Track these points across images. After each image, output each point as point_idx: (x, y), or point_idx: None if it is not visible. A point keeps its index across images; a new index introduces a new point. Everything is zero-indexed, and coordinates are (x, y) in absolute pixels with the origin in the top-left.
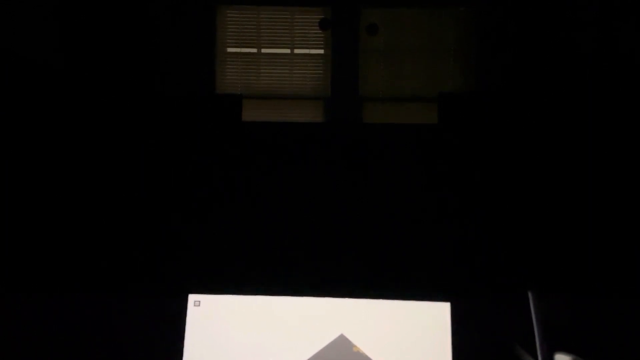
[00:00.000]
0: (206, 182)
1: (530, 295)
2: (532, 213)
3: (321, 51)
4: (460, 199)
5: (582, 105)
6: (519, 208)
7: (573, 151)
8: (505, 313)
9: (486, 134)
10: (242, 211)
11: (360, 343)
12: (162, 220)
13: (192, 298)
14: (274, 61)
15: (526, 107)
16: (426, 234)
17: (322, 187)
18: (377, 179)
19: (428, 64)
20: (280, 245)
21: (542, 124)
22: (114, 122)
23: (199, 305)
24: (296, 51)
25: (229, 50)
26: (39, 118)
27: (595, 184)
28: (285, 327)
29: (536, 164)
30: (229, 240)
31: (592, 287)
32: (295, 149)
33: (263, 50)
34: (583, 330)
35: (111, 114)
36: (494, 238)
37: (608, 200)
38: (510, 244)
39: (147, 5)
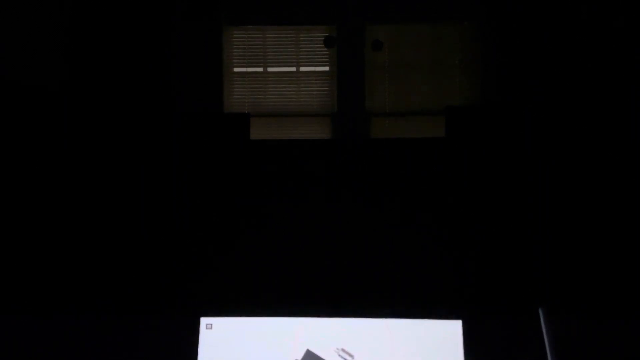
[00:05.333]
0: (216, 203)
1: (541, 312)
2: (543, 228)
3: (327, 68)
4: (469, 214)
5: (590, 117)
6: (530, 223)
7: (583, 164)
8: (516, 330)
9: (494, 146)
10: (251, 231)
11: None
12: (172, 243)
13: (204, 321)
14: (281, 79)
15: (533, 120)
16: (437, 252)
17: (332, 204)
18: (386, 194)
19: (434, 78)
20: (291, 266)
21: (550, 136)
22: (124, 144)
23: (211, 328)
24: (302, 69)
25: (236, 69)
26: (53, 138)
27: (607, 197)
28: (297, 348)
29: (545, 177)
30: (239, 263)
31: (603, 306)
32: (304, 165)
33: (269, 69)
34: (594, 346)
35: (120, 136)
36: (505, 255)
37: (620, 217)
38: (521, 260)
39: (155, 28)
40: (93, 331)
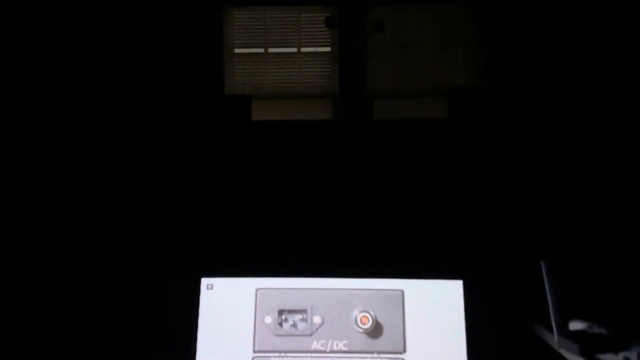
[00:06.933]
0: (217, 173)
1: (542, 264)
2: (543, 185)
3: (328, 49)
4: (469, 175)
5: (590, 100)
6: (529, 179)
7: (578, 141)
8: (518, 289)
9: (495, 126)
10: (254, 201)
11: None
12: (173, 207)
13: (205, 282)
14: (282, 60)
15: (534, 102)
16: (436, 212)
17: (334, 181)
18: (388, 171)
19: (436, 59)
20: (291, 230)
21: (550, 117)
22: (126, 127)
23: (211, 289)
24: (303, 49)
25: (237, 51)
26: (58, 124)
27: (605, 153)
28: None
29: (541, 151)
30: (240, 226)
31: (606, 258)
32: (306, 146)
33: (270, 50)
34: (597, 299)
35: (126, 118)
36: (504, 212)
37: (621, 169)
38: (521, 215)
39: (155, 11)
40: (93, 293)
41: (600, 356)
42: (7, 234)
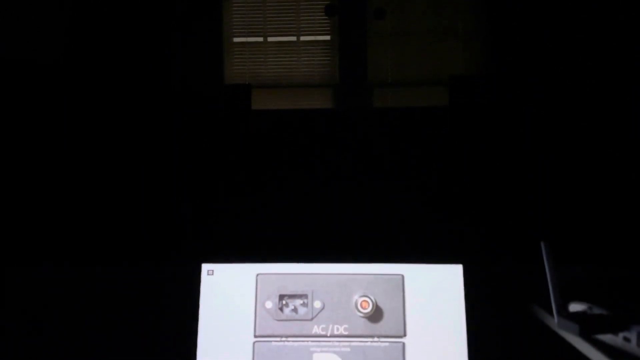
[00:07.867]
0: (220, 162)
1: (542, 246)
2: (543, 169)
3: (328, 37)
4: (469, 160)
5: (593, 84)
6: (529, 165)
7: (579, 127)
8: (517, 272)
9: (495, 114)
10: (254, 189)
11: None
12: (174, 193)
13: (205, 267)
14: (281, 49)
15: (535, 89)
16: (436, 197)
17: (335, 168)
18: (388, 158)
19: (437, 47)
20: (291, 216)
21: (551, 104)
22: (130, 114)
23: (212, 275)
24: (303, 38)
25: (236, 40)
26: (60, 110)
27: (608, 139)
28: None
29: (542, 138)
30: (240, 213)
31: (608, 243)
32: (306, 134)
33: (269, 39)
34: (597, 278)
35: (125, 107)
36: (504, 197)
37: (624, 154)
38: (522, 199)
39: (154, 1)
40: (95, 278)
41: (600, 337)
42: (6, 219)
